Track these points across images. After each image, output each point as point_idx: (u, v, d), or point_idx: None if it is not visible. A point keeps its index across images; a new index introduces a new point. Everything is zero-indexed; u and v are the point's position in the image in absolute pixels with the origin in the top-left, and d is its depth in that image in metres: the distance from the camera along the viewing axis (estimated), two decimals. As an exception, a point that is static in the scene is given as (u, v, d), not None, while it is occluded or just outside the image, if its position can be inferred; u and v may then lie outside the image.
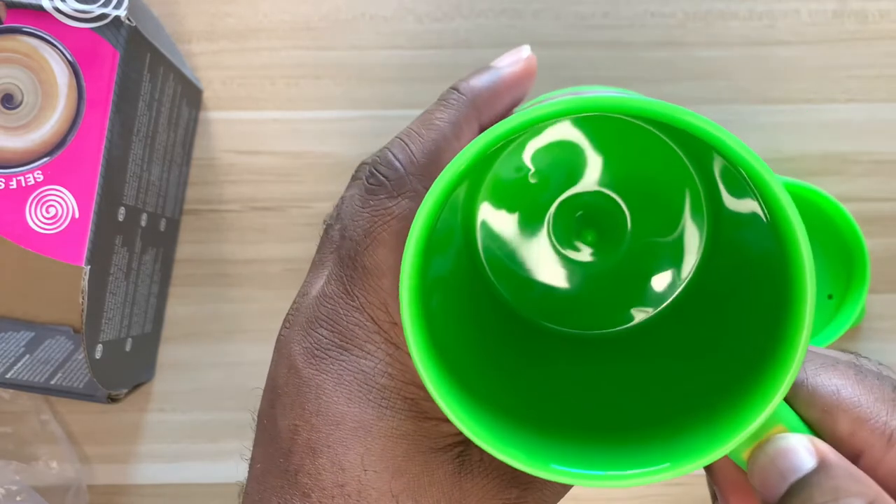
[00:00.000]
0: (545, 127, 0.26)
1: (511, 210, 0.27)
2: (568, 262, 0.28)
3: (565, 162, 0.27)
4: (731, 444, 0.19)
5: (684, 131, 0.19)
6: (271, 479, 0.22)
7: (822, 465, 0.19)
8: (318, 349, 0.22)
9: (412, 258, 0.20)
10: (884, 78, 0.42)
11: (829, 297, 0.41)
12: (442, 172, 0.19)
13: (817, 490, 0.18)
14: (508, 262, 0.27)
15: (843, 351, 0.23)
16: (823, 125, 0.42)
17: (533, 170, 0.27)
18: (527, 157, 0.27)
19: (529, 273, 0.28)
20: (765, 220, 0.21)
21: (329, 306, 0.22)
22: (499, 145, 0.20)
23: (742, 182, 0.23)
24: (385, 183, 0.23)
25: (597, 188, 0.27)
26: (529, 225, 0.27)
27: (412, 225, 0.19)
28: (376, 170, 0.23)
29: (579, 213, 0.27)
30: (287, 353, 0.23)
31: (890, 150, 0.42)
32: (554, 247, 0.27)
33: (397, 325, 0.22)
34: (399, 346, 0.22)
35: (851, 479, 0.19)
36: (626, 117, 0.21)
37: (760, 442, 0.20)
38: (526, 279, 0.28)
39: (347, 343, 0.22)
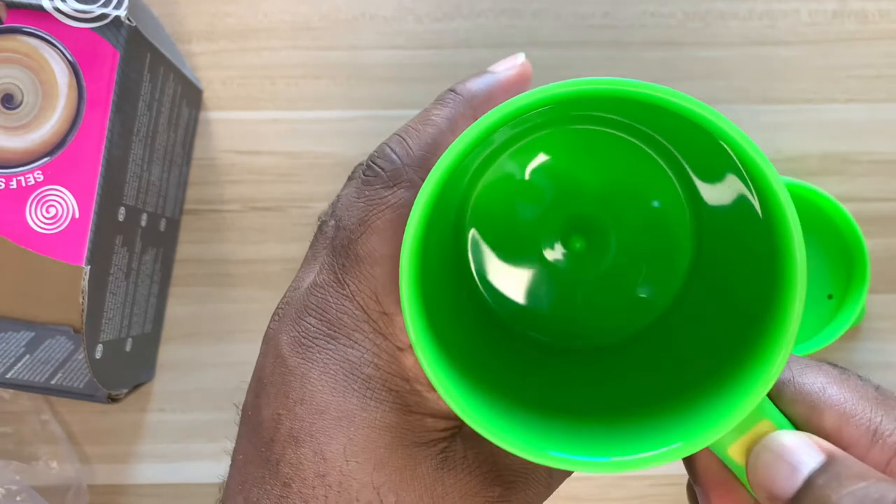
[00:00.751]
0: (535, 141, 0.26)
1: (499, 224, 0.27)
2: (556, 276, 0.28)
3: (552, 175, 0.27)
4: (717, 431, 0.20)
5: (672, 120, 0.19)
6: (252, 470, 0.22)
7: (833, 458, 0.19)
8: (305, 338, 0.22)
9: (416, 225, 0.20)
10: (884, 78, 0.42)
11: (829, 297, 0.41)
12: (447, 150, 0.19)
13: (844, 478, 0.19)
14: (497, 275, 0.28)
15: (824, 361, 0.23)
16: (823, 125, 0.42)
17: (521, 182, 0.27)
18: (515, 169, 0.27)
19: (518, 286, 0.28)
20: (758, 212, 0.21)
21: (319, 295, 0.23)
22: (498, 130, 0.20)
23: (724, 184, 0.23)
24: (381, 174, 0.23)
25: (582, 200, 0.27)
26: (518, 239, 0.27)
27: (417, 198, 0.20)
28: (373, 162, 0.23)
29: (566, 225, 0.27)
30: (275, 343, 0.23)
31: (890, 150, 0.42)
32: (541, 260, 0.28)
33: (387, 315, 0.22)
34: (387, 338, 0.22)
35: (868, 468, 0.19)
36: (614, 100, 0.21)
37: (751, 441, 0.20)
38: (515, 293, 0.28)
39: (335, 332, 0.22)
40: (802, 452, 0.19)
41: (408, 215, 0.20)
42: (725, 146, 0.20)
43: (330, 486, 0.21)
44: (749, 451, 0.20)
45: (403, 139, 0.23)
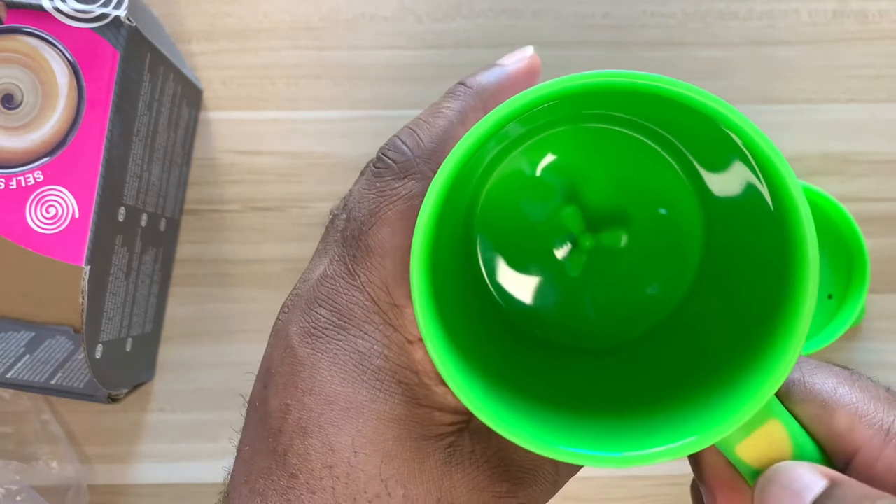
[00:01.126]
0: (546, 139, 0.26)
1: (509, 221, 0.27)
2: (565, 274, 0.28)
3: (562, 173, 0.27)
4: (728, 427, 0.20)
5: (687, 115, 0.19)
6: (259, 461, 0.22)
7: (836, 483, 0.19)
8: (315, 328, 0.22)
9: (428, 215, 0.20)
10: (884, 78, 0.42)
11: (829, 297, 0.41)
12: (460, 141, 0.19)
13: (849, 500, 0.19)
14: (506, 273, 0.27)
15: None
16: (823, 125, 0.42)
17: (531, 180, 0.27)
18: (525, 167, 0.27)
19: (526, 285, 0.28)
20: (768, 205, 0.21)
21: (330, 286, 0.22)
22: (510, 122, 0.20)
23: (732, 180, 0.23)
24: (392, 166, 0.23)
25: (592, 198, 0.27)
26: (527, 237, 0.27)
27: (429, 188, 0.20)
28: (384, 154, 0.23)
29: (576, 224, 0.27)
30: (284, 335, 0.23)
31: (890, 150, 0.42)
32: (550, 258, 0.27)
33: (397, 306, 0.22)
34: (397, 329, 0.22)
35: (871, 488, 0.19)
36: (622, 93, 0.21)
37: (759, 440, 0.20)
38: (523, 290, 0.28)
39: (346, 322, 0.22)
40: (806, 479, 0.19)
41: (419, 207, 0.20)
42: (737, 139, 0.20)
43: (338, 478, 0.21)
44: (757, 453, 0.20)
45: (414, 131, 0.23)
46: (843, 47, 0.42)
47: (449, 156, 0.20)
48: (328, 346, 0.22)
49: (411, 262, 0.20)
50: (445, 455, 0.22)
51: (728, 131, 0.19)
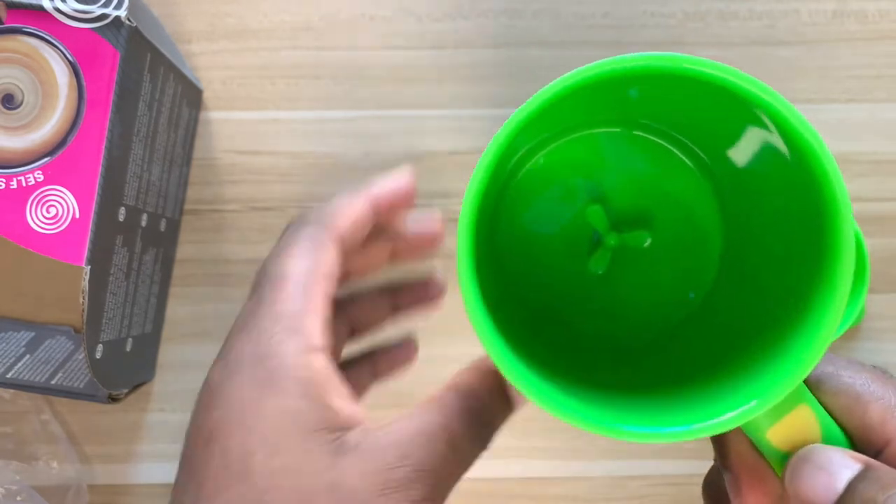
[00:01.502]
0: (567, 143, 0.27)
1: (533, 222, 0.28)
2: (590, 274, 0.28)
3: (586, 174, 0.27)
4: (783, 390, 0.20)
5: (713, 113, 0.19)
6: (179, 478, 0.24)
7: (870, 467, 0.20)
8: (228, 354, 0.24)
9: (483, 173, 0.20)
10: (884, 78, 0.42)
11: (829, 297, 0.41)
12: (515, 113, 0.20)
13: (885, 482, 0.19)
14: (531, 273, 0.28)
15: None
16: (823, 125, 0.42)
17: (555, 181, 0.27)
18: (550, 168, 0.27)
19: (551, 284, 0.28)
20: (789, 179, 0.22)
21: (241, 319, 0.25)
22: (561, 101, 0.21)
23: (746, 162, 0.23)
24: (290, 224, 0.27)
25: (615, 199, 0.27)
26: (552, 238, 0.28)
27: (482, 156, 0.20)
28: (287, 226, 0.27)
29: (601, 222, 0.27)
30: (208, 379, 0.24)
31: (890, 150, 0.42)
32: (575, 258, 0.28)
33: (299, 314, 0.24)
34: (299, 335, 0.23)
35: None
36: (648, 75, 0.22)
37: (789, 426, 0.21)
38: (548, 290, 0.28)
39: (254, 337, 0.24)
40: (840, 463, 0.20)
41: (316, 239, 0.23)
42: (758, 110, 0.20)
43: (233, 478, 0.22)
44: (786, 437, 0.21)
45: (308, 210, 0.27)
46: (843, 47, 0.42)
47: (503, 126, 0.20)
48: (235, 358, 0.24)
49: (458, 242, 0.20)
50: (333, 447, 0.23)
51: (746, 101, 0.20)
